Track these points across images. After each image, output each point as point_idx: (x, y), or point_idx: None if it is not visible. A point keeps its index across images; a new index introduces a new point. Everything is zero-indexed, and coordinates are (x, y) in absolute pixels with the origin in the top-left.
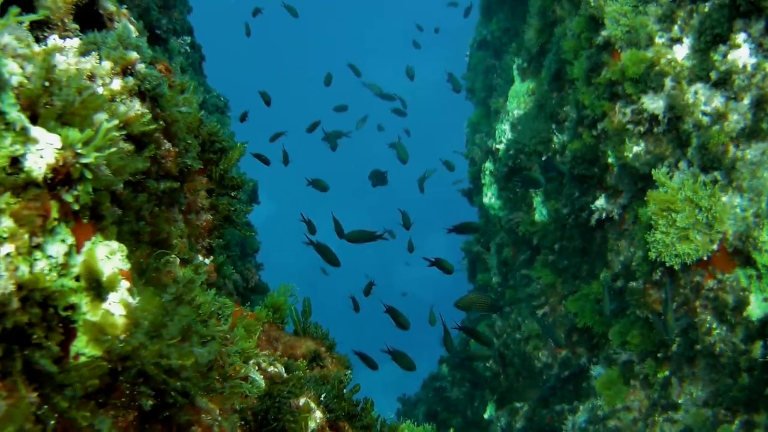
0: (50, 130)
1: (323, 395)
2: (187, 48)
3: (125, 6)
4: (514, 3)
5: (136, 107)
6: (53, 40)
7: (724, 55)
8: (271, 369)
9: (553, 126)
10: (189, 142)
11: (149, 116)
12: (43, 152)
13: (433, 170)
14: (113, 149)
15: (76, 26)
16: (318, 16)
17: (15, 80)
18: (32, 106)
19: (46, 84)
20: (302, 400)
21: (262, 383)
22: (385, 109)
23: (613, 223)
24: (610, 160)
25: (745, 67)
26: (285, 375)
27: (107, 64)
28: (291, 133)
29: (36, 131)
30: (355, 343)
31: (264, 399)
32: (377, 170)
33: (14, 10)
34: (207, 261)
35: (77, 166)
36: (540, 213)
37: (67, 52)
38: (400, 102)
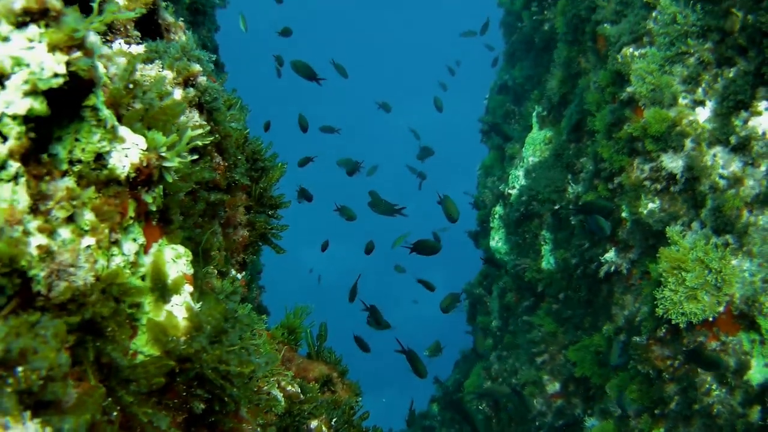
0: (135, 131)
1: (334, 420)
2: (212, 65)
3: (181, 19)
4: (539, 52)
5: (195, 118)
6: (119, 44)
7: (745, 121)
8: (290, 388)
9: (569, 176)
10: (239, 157)
11: (207, 128)
12: (128, 152)
13: (445, 228)
14: (192, 157)
15: (138, 33)
16: (347, 49)
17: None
18: (115, 105)
19: (130, 86)
20: (315, 423)
21: (283, 401)
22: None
23: (621, 277)
24: (624, 214)
25: (764, 134)
26: (302, 396)
27: (170, 74)
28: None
29: (123, 131)
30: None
31: (284, 417)
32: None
33: (112, 7)
34: (239, 276)
35: (160, 168)
36: (547, 261)
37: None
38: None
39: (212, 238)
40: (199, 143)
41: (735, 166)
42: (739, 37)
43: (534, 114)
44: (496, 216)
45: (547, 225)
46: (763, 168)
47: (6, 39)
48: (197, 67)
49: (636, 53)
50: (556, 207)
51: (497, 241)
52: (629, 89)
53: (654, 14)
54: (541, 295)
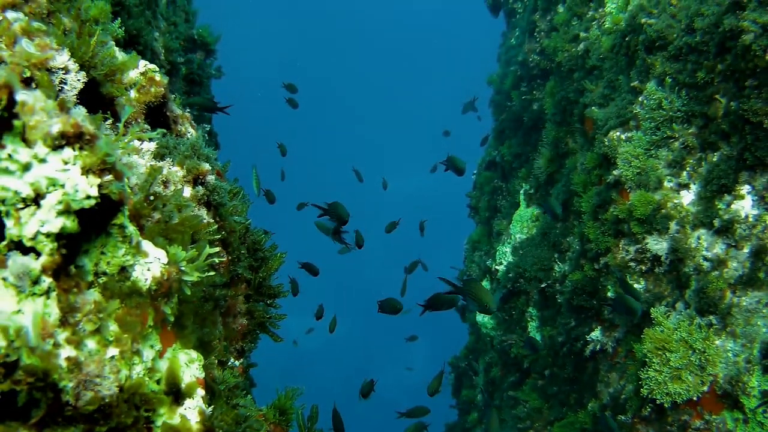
0: (156, 244)
1: None
2: (205, 136)
3: (188, 110)
4: (528, 130)
5: (203, 216)
6: (133, 142)
7: (728, 205)
8: None
9: (556, 255)
10: (242, 251)
11: (215, 226)
12: (151, 266)
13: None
14: (211, 273)
15: (148, 126)
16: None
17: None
18: (137, 217)
19: (151, 198)
20: None
21: None
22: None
23: (606, 354)
24: (609, 294)
25: (747, 217)
26: None
27: (180, 173)
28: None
29: (146, 245)
30: None
31: None
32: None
33: (136, 128)
34: (237, 363)
35: (179, 281)
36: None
37: (144, 155)
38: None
39: (214, 330)
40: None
41: (718, 248)
42: (723, 123)
43: (521, 191)
44: None
45: (533, 302)
46: (746, 250)
47: (43, 160)
48: (206, 166)
49: (623, 137)
50: (543, 285)
51: (483, 315)
52: (615, 172)
53: (640, 99)
54: (527, 371)
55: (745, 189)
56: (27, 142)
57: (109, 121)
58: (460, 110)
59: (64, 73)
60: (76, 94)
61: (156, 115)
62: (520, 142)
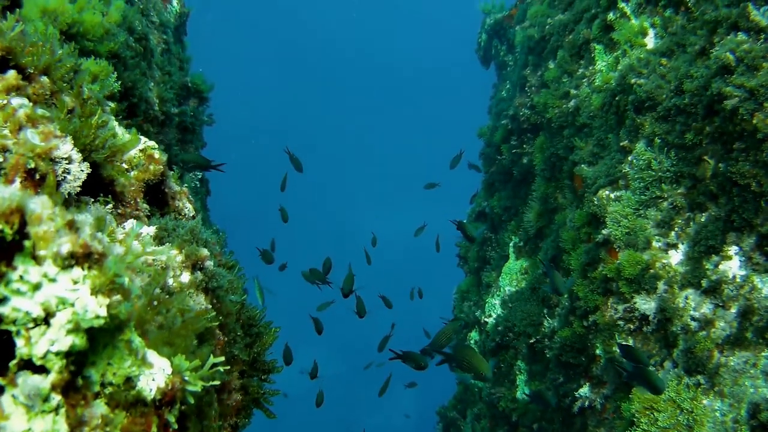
0: (160, 353)
1: None
2: (197, 183)
3: (185, 185)
4: (518, 183)
5: (201, 302)
6: (131, 224)
7: (716, 265)
8: None
9: (545, 310)
10: (238, 333)
11: (213, 313)
12: (155, 376)
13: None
14: (215, 382)
15: (146, 206)
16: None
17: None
18: (141, 323)
19: (155, 303)
20: None
21: None
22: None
23: (595, 411)
24: (598, 351)
25: (734, 278)
26: None
27: (180, 258)
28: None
29: (151, 356)
30: None
31: None
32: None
33: (145, 240)
34: None
35: (183, 391)
36: (522, 392)
37: (144, 238)
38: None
39: (210, 411)
40: (200, 328)
41: (706, 308)
42: (711, 184)
43: (511, 244)
44: (472, 342)
45: (522, 356)
46: (733, 310)
47: (53, 280)
48: (205, 252)
49: (612, 195)
50: (532, 341)
51: None
52: (605, 231)
53: (630, 158)
54: (515, 425)
55: (732, 250)
56: (37, 259)
57: (110, 206)
58: (449, 164)
59: (67, 163)
60: (79, 185)
61: (154, 192)
62: (509, 194)
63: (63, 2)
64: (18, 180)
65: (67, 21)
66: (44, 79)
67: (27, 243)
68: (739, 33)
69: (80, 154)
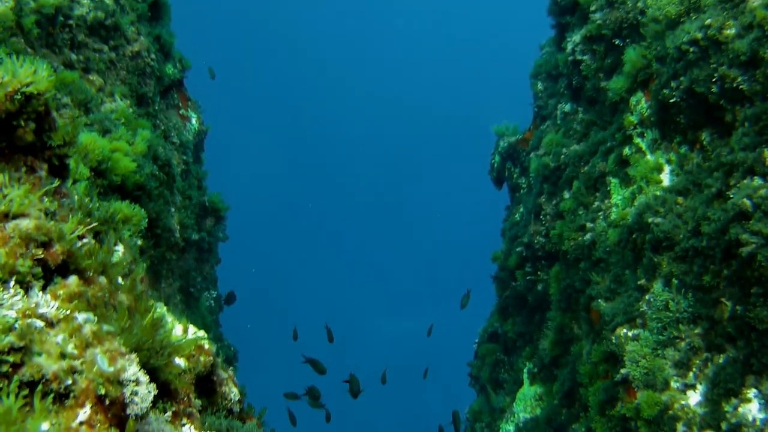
0: None
1: None
2: (212, 302)
3: (231, 369)
4: (532, 310)
5: None
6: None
7: (736, 408)
8: None
9: None
10: None
11: None
12: None
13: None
14: None
15: (199, 401)
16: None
17: None
18: None
19: None
20: None
21: None
22: None
23: None
24: None
25: (754, 421)
26: None
27: None
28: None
29: None
30: None
31: None
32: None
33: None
34: None
35: None
36: None
37: None
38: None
39: None
40: None
41: None
42: (728, 326)
43: (525, 370)
44: None
45: None
46: None
47: None
48: None
49: (629, 334)
50: None
51: None
52: (623, 371)
53: (647, 297)
54: None
55: (751, 393)
56: None
57: (169, 414)
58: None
59: (135, 386)
60: (148, 405)
61: (204, 382)
62: (524, 320)
63: (94, 139)
64: (88, 405)
65: (97, 158)
66: (102, 279)
67: None
68: (755, 177)
69: (146, 376)
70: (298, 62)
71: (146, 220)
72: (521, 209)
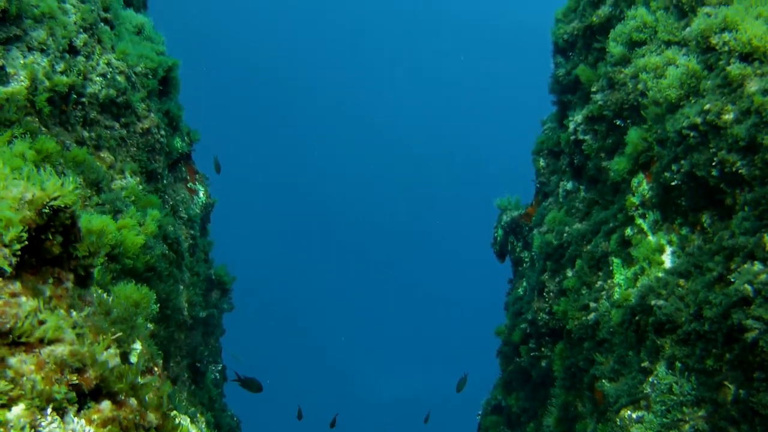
0: None
1: None
2: (217, 374)
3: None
4: (536, 386)
5: None
6: None
7: None
8: None
9: None
10: None
11: None
12: None
13: None
14: None
15: None
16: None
17: None
18: None
19: None
20: None
21: None
22: None
23: None
24: None
25: None
26: None
27: None
28: None
29: None
30: None
31: None
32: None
33: None
34: None
35: None
36: None
37: None
38: None
39: None
40: None
41: None
42: (732, 409)
43: None
44: None
45: None
46: None
47: None
48: None
49: (634, 416)
50: None
51: None
52: None
53: (651, 379)
54: None
55: None
56: None
57: None
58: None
59: None
60: None
61: None
62: (528, 395)
63: (105, 223)
64: None
65: (111, 243)
66: (132, 401)
67: None
68: (755, 262)
69: None
70: (303, 115)
71: (158, 306)
72: (524, 284)
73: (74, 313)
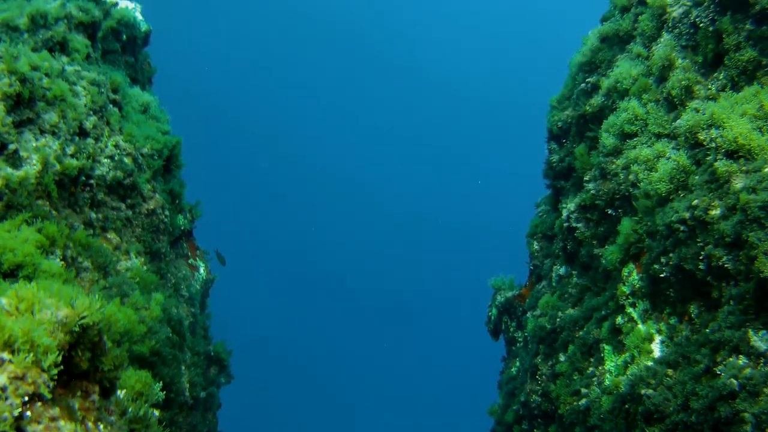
0: None
1: None
2: None
3: None
4: None
5: None
6: None
7: None
8: None
9: None
10: None
11: None
12: None
13: None
14: None
15: None
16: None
17: None
18: None
19: None
20: None
21: None
22: None
23: None
24: None
25: None
26: None
27: None
28: None
29: None
30: None
31: None
32: None
33: None
34: None
35: None
36: None
37: None
38: None
39: None
40: None
41: None
42: None
43: None
44: None
45: None
46: None
47: None
48: None
49: None
50: None
51: None
52: None
53: None
54: None
55: None
56: None
57: None
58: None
59: None
60: None
61: None
62: None
63: (115, 311)
64: None
65: (120, 331)
66: None
67: None
68: (740, 356)
69: None
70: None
71: (163, 393)
72: (517, 363)
73: (101, 426)
